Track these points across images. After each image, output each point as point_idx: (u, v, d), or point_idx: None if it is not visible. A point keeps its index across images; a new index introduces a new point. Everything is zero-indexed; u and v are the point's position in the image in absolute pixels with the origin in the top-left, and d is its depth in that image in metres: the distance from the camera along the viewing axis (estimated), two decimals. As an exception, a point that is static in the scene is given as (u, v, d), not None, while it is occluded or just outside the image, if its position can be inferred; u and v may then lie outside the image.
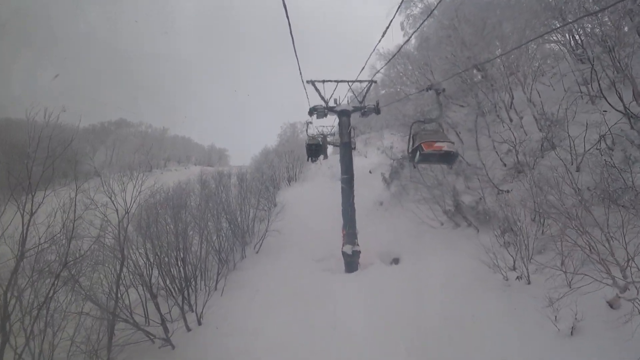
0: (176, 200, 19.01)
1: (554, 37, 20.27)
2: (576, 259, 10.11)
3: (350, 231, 15.73)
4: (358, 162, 38.53)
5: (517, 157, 16.46)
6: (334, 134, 38.12)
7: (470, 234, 14.70)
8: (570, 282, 9.84)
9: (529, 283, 10.54)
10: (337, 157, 44.56)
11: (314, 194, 31.55)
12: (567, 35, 20.06)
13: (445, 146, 8.43)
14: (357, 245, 15.70)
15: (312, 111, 16.32)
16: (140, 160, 77.94)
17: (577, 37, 20.58)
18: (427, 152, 8.78)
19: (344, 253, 15.55)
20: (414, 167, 20.43)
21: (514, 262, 11.12)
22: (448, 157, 8.89)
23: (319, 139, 33.73)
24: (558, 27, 17.49)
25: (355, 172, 18.10)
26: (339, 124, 16.41)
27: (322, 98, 16.47)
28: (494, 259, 11.03)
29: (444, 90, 9.57)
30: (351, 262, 15.36)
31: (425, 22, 27.42)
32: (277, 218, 23.03)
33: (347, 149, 16.41)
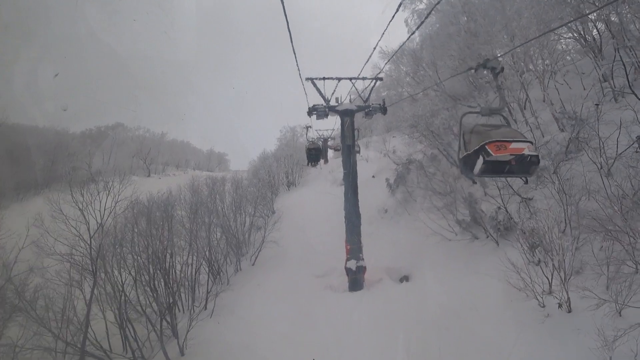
0: (162, 211, 17.26)
1: (564, 33, 18.77)
2: (623, 279, 8.48)
3: (354, 245, 13.99)
4: (360, 166, 36.47)
5: (537, 161, 14.77)
6: (334, 138, 36.60)
7: (490, 248, 12.95)
8: (621, 311, 8.16)
9: (570, 311, 8.82)
10: (338, 161, 42.88)
11: (314, 200, 29.83)
12: (582, 29, 18.55)
13: (525, 148, 5.28)
14: (362, 259, 13.97)
15: (311, 111, 14.62)
16: (138, 165, 76.56)
17: (595, 31, 19.11)
18: (496, 158, 5.44)
19: (347, 269, 13.81)
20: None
21: (550, 285, 9.37)
22: (527, 165, 5.57)
23: (319, 143, 32.15)
24: (575, 19, 15.83)
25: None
26: (341, 125, 14.73)
27: (323, 97, 14.78)
28: (527, 281, 9.26)
29: (502, 69, 6.14)
30: (355, 280, 13.61)
31: (432, 19, 25.91)
32: (275, 227, 21.31)
33: (350, 153, 14.72)
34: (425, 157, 21.54)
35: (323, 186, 33.43)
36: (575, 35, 18.92)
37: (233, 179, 25.72)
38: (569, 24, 17.14)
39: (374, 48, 12.04)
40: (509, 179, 13.13)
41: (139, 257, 13.36)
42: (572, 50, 21.31)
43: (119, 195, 14.07)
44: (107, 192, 13.37)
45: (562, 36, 19.37)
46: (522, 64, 19.20)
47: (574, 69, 19.95)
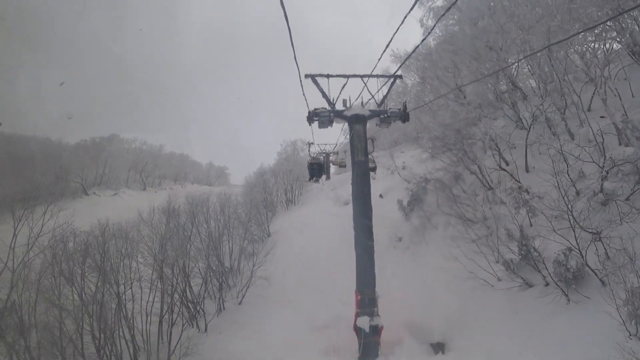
0: (117, 242, 13.57)
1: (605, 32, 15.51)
2: None
3: (367, 296, 10.26)
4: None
5: (601, 183, 11.18)
6: (337, 153, 33.17)
7: (557, 304, 9.20)
8: None
9: None
10: (340, 177, 39.29)
11: (315, 221, 26.12)
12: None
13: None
14: (378, 315, 10.19)
15: (312, 117, 11.10)
16: (134, 178, 73.28)
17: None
18: None
19: (358, 329, 10.02)
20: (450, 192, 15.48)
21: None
22: None
23: (321, 158, 28.85)
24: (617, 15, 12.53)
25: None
26: (351, 135, 11.12)
27: (327, 98, 11.28)
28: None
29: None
30: (369, 344, 9.76)
31: (450, 20, 22.69)
32: (268, 259, 17.55)
33: (362, 172, 11.14)
34: (448, 175, 17.98)
35: (325, 205, 29.78)
36: (619, 36, 15.68)
37: (221, 196, 22.05)
38: (610, 23, 13.89)
39: (385, 48, 8.61)
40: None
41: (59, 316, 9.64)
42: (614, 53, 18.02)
43: (41, 227, 10.37)
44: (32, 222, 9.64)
45: (603, 37, 16.10)
46: (562, 66, 15.90)
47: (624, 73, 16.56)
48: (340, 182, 35.64)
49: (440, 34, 24.26)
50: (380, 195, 26.54)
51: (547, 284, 10.08)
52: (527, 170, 15.77)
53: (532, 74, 17.65)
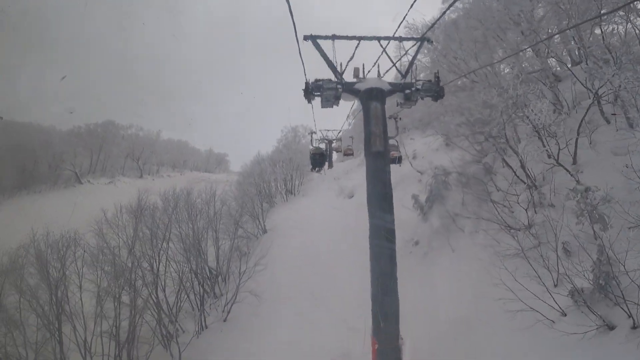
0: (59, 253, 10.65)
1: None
2: None
3: (388, 346, 7.21)
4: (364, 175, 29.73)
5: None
6: (340, 139, 30.19)
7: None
8: None
9: None
10: (344, 166, 36.32)
11: (317, 216, 23.18)
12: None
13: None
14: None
15: (312, 90, 7.81)
16: (130, 165, 70.43)
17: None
18: None
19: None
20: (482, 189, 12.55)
21: None
22: None
23: (323, 147, 26.16)
24: None
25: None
26: (365, 116, 7.91)
27: (332, 67, 8.08)
28: None
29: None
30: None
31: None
32: (260, 266, 14.64)
33: (381, 166, 7.94)
34: (475, 168, 14.89)
35: (328, 197, 26.82)
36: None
37: (205, 192, 18.98)
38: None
39: (402, 20, 5.48)
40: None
41: None
42: None
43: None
44: None
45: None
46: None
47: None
48: (344, 170, 32.69)
49: (463, 5, 20.88)
50: (389, 188, 23.51)
51: (635, 326, 7.14)
52: (574, 164, 12.68)
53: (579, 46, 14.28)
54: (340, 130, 29.47)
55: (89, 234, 13.78)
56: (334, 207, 23.75)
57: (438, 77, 8.18)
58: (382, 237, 7.17)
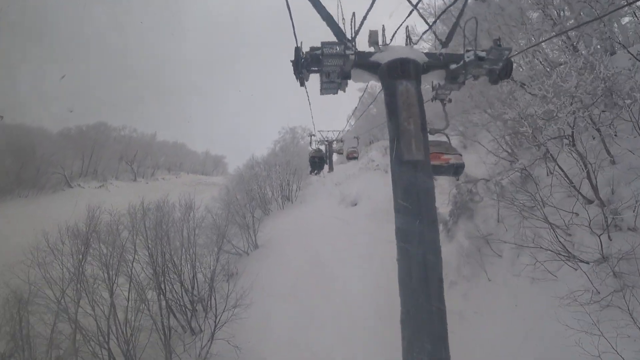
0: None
1: None
2: None
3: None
4: (373, 181, 27.00)
5: None
6: (341, 140, 27.15)
7: None
8: None
9: None
10: (345, 168, 33.20)
11: (317, 227, 20.14)
12: None
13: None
14: None
15: (307, 64, 4.58)
16: (125, 168, 67.44)
17: None
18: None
19: None
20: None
21: None
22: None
23: (323, 149, 23.28)
24: None
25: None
26: (390, 102, 4.75)
27: (335, 28, 4.95)
28: None
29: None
30: None
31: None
32: (249, 293, 11.60)
33: (423, 182, 4.68)
34: (520, 177, 11.78)
35: (328, 205, 23.74)
36: None
37: (184, 203, 15.88)
38: None
39: None
40: None
41: None
42: None
43: None
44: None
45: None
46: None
47: None
48: (345, 175, 29.58)
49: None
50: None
51: None
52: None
53: None
54: (343, 130, 26.60)
55: (19, 265, 10.67)
56: (336, 217, 20.70)
57: (499, 44, 5.04)
58: (426, 273, 4.10)
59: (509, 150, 13.74)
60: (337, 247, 16.23)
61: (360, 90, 41.24)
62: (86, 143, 60.63)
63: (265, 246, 18.91)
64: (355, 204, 21.87)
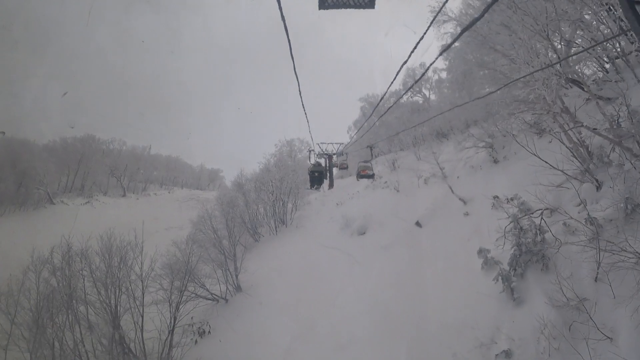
0: None
1: None
2: None
3: None
4: (382, 201, 21.08)
5: None
6: (342, 154, 22.89)
7: None
8: None
9: None
10: (345, 184, 28.72)
11: (315, 264, 15.64)
12: None
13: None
14: None
15: None
16: (114, 183, 63.01)
17: None
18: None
19: None
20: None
21: None
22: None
23: (322, 163, 19.61)
24: None
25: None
26: None
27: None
28: None
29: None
30: None
31: None
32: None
33: None
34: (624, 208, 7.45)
35: (330, 232, 19.22)
36: None
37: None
38: None
39: None
40: None
41: None
42: None
43: None
44: None
45: None
46: None
47: None
48: (348, 193, 25.07)
49: None
50: (418, 224, 16.04)
51: None
52: None
53: None
54: (344, 144, 22.64)
55: None
56: (340, 250, 16.22)
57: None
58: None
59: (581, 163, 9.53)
60: (342, 302, 11.76)
61: (361, 100, 36.50)
62: (72, 157, 56.39)
63: (249, 290, 14.35)
64: (364, 232, 17.40)
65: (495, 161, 17.16)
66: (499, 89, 12.97)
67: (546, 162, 10.25)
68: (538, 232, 8.97)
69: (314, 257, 16.13)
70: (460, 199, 15.08)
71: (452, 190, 15.20)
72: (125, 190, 61.57)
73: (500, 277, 8.63)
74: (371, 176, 14.87)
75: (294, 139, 37.82)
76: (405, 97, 32.57)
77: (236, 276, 14.96)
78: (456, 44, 27.39)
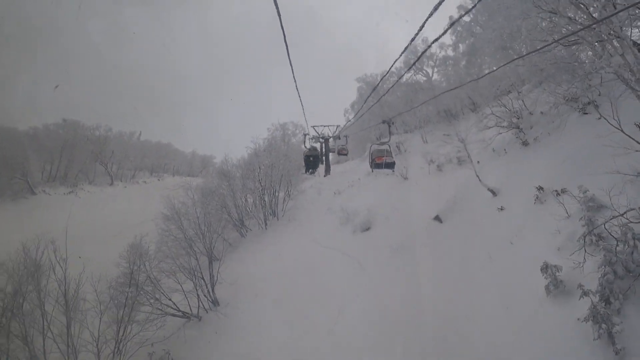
0: None
1: None
2: None
3: None
4: (387, 190, 16.80)
5: None
6: (339, 137, 19.86)
7: None
8: None
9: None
10: (344, 168, 24.66)
11: (311, 269, 12.52)
12: None
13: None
14: None
15: None
16: (101, 170, 59.29)
17: None
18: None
19: None
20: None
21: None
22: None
23: (317, 147, 16.92)
24: None
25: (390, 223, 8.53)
26: None
27: None
28: None
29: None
30: None
31: None
32: None
33: None
34: None
35: (328, 227, 16.08)
36: None
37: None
38: None
39: None
40: None
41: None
42: None
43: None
44: None
45: None
46: None
47: None
48: (348, 181, 21.72)
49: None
50: (438, 219, 12.86)
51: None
52: None
53: None
54: (339, 125, 19.62)
55: None
56: (341, 252, 13.10)
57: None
58: None
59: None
60: (346, 325, 8.67)
61: (358, 80, 32.61)
62: (55, 144, 52.49)
63: (227, 309, 11.21)
64: (368, 228, 14.29)
65: (525, 143, 13.95)
66: (543, 47, 9.70)
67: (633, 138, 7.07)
68: (637, 243, 5.91)
69: (310, 261, 12.99)
70: (489, 189, 11.91)
71: (479, 179, 11.99)
72: (112, 178, 57.90)
73: (592, 317, 5.55)
74: (391, 165, 11.67)
75: (287, 123, 34.40)
76: (406, 76, 29.10)
77: (212, 288, 11.81)
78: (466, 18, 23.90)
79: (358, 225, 14.72)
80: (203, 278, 11.60)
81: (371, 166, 11.53)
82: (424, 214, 13.18)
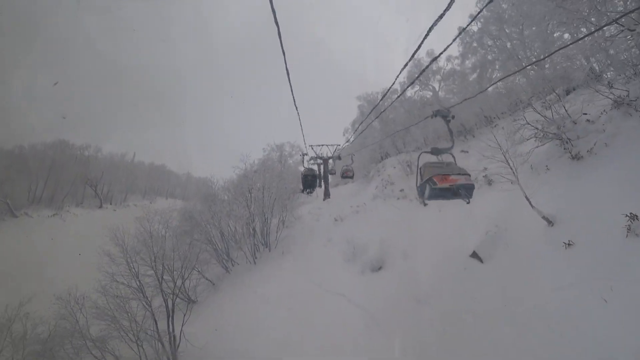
0: None
1: None
2: None
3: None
4: (399, 217, 13.79)
5: None
6: (339, 157, 17.22)
7: None
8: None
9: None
10: (347, 191, 22.23)
11: (312, 322, 9.22)
12: None
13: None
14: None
15: None
16: (90, 193, 56.09)
17: None
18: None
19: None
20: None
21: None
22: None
23: (315, 168, 14.55)
24: None
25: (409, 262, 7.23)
26: None
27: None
28: None
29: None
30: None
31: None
32: None
33: None
34: None
35: (329, 264, 12.82)
36: None
37: None
38: None
39: None
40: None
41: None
42: None
43: None
44: None
45: None
46: None
47: None
48: (350, 206, 18.30)
49: None
50: (476, 256, 9.69)
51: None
52: None
53: None
54: (339, 145, 16.98)
55: None
56: (347, 299, 9.83)
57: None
58: None
59: None
60: None
61: (359, 98, 29.82)
62: (42, 164, 49.56)
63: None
64: (380, 268, 11.10)
65: (576, 157, 11.06)
66: (587, 35, 6.95)
67: None
68: None
69: (307, 310, 9.70)
70: (543, 217, 8.84)
71: (530, 204, 8.95)
72: (102, 201, 54.62)
73: None
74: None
75: (284, 143, 31.65)
76: (411, 92, 26.63)
77: (175, 350, 8.47)
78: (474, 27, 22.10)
79: (368, 263, 11.50)
80: (161, 341, 8.29)
81: (422, 195, 5.39)
82: (454, 249, 10.05)
